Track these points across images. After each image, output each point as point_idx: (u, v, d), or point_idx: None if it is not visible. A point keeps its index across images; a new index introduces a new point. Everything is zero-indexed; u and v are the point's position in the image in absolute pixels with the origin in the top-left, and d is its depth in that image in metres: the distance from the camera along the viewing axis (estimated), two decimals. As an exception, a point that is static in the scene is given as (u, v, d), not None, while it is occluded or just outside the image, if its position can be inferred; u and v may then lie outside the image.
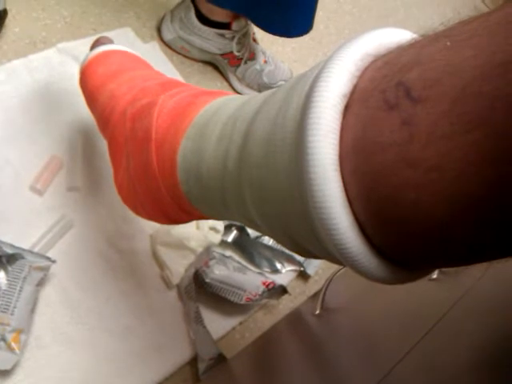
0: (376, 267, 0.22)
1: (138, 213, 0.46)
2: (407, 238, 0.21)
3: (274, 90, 0.29)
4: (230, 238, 0.77)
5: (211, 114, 0.35)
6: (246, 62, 0.92)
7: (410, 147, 0.19)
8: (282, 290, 0.73)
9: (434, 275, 0.47)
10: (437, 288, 0.47)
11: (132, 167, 0.42)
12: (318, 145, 0.21)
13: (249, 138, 0.28)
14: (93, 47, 0.56)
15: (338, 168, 0.21)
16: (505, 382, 0.27)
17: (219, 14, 0.87)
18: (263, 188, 0.26)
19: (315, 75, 0.23)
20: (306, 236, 0.25)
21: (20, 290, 0.56)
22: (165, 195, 0.39)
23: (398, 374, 0.32)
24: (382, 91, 0.20)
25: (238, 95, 0.38)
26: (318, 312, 0.61)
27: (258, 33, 0.96)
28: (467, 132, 0.17)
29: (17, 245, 0.59)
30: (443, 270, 0.48)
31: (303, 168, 0.22)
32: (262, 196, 0.27)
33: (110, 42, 0.56)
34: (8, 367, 0.54)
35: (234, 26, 0.89)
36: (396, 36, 0.24)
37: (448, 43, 0.19)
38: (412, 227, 0.20)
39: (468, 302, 0.38)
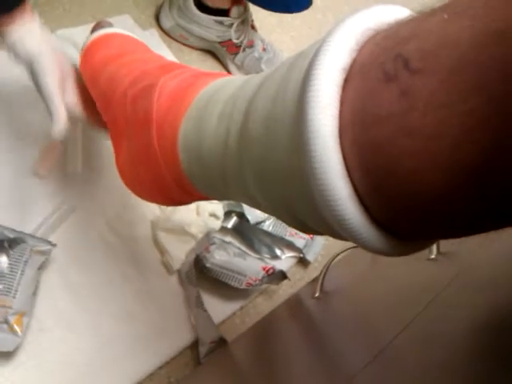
0: (375, 238, 0.23)
1: (138, 194, 0.46)
2: (405, 208, 0.21)
3: (276, 67, 0.30)
4: (229, 224, 0.78)
5: (212, 93, 0.35)
6: (244, 50, 0.92)
7: (408, 117, 0.19)
8: (282, 276, 0.73)
9: (432, 255, 0.48)
10: (435, 267, 0.47)
11: (133, 148, 0.42)
12: (317, 117, 0.21)
13: (249, 115, 0.28)
14: (93, 30, 0.56)
15: (337, 140, 0.22)
16: (503, 345, 0.28)
17: (218, 0, 0.87)
18: (264, 164, 0.27)
19: (316, 49, 0.23)
20: (306, 210, 0.25)
21: (21, 274, 0.56)
22: (166, 176, 0.39)
23: (395, 348, 0.32)
24: (381, 64, 0.21)
25: (239, 76, 0.39)
26: (317, 295, 0.62)
27: (257, 21, 0.96)
28: (464, 100, 0.17)
29: (18, 229, 0.60)
30: (441, 250, 0.48)
31: (303, 140, 0.22)
32: (262, 172, 0.27)
33: (110, 25, 0.56)
34: (11, 349, 0.55)
35: (233, 12, 0.89)
36: (395, 12, 0.24)
37: (445, 16, 0.20)
38: (409, 197, 0.20)
39: (466, 276, 0.39)
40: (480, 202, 0.19)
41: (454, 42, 0.18)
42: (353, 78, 0.22)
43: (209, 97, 0.35)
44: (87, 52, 0.54)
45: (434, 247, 0.49)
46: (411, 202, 0.21)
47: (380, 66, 0.21)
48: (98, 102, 0.52)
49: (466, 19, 0.19)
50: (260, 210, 0.33)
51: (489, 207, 0.19)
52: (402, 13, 0.24)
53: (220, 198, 0.39)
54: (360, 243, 0.23)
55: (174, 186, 0.39)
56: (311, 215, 0.25)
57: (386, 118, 0.20)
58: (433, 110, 0.18)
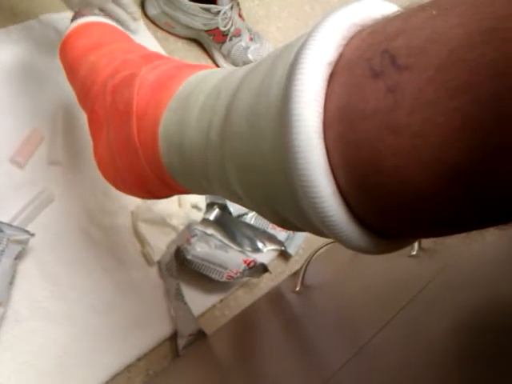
0: (357, 237, 0.23)
1: (117, 187, 0.46)
2: (389, 206, 0.21)
3: (260, 60, 0.29)
4: (211, 217, 0.77)
5: (194, 85, 0.35)
6: (231, 39, 0.91)
7: (395, 114, 0.19)
8: (263, 269, 0.73)
9: (414, 251, 0.48)
10: (416, 264, 0.47)
11: (112, 140, 0.41)
12: (302, 112, 0.21)
13: (232, 108, 0.28)
14: (74, 19, 0.54)
15: (321, 136, 0.21)
16: (483, 343, 0.28)
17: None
18: (246, 158, 0.26)
19: (301, 43, 0.23)
20: (288, 206, 0.25)
21: (-2, 263, 0.55)
22: (145, 168, 0.38)
23: (376, 344, 0.32)
24: (368, 59, 0.20)
25: (222, 68, 0.38)
26: (297, 289, 0.62)
27: (243, 11, 0.95)
28: (451, 98, 0.17)
29: (-5, 218, 0.59)
30: (422, 246, 0.49)
31: (287, 136, 0.22)
32: (244, 167, 0.27)
33: (92, 13, 0.55)
34: (-14, 340, 0.54)
35: (220, 0, 0.88)
36: (382, 8, 0.24)
37: (434, 12, 0.19)
38: (394, 195, 0.20)
39: (448, 274, 0.39)
40: (466, 201, 0.19)
41: (443, 39, 0.18)
42: (339, 73, 0.21)
43: (191, 88, 0.34)
44: (67, 41, 0.52)
45: (416, 244, 0.49)
46: (395, 200, 0.20)
47: (366, 62, 0.20)
48: (77, 92, 0.51)
49: (455, 16, 0.18)
50: (242, 205, 0.32)
51: (475, 207, 0.19)
52: (389, 8, 0.24)
53: (201, 192, 0.38)
54: (342, 241, 0.23)
55: (153, 179, 0.38)
56: (293, 212, 0.25)
57: (371, 114, 0.19)
58: (419, 107, 0.18)
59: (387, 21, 0.22)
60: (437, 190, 0.19)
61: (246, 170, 0.27)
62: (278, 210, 0.27)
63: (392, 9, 0.24)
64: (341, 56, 0.22)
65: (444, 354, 0.30)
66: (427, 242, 0.49)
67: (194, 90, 0.34)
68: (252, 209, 0.31)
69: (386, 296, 0.44)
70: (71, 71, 0.52)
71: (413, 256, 0.48)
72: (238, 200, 0.32)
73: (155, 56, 0.44)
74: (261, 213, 0.30)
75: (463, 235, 0.22)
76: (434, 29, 0.19)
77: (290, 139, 0.21)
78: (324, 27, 0.22)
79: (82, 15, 0.54)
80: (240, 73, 0.30)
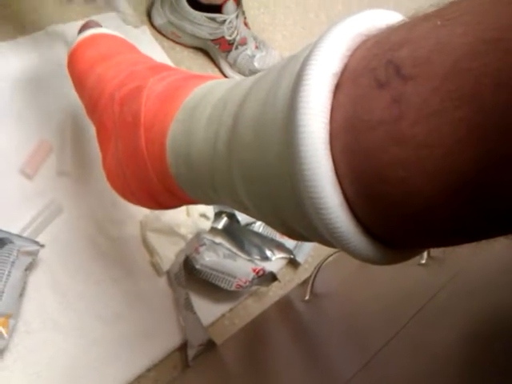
0: (365, 247, 0.22)
1: (126, 198, 0.46)
2: (395, 216, 0.21)
3: (266, 71, 0.29)
4: (220, 225, 0.77)
5: (201, 96, 0.35)
6: (237, 48, 0.92)
7: (400, 125, 0.19)
8: (272, 277, 0.73)
9: (423, 260, 0.48)
10: (425, 272, 0.47)
11: (121, 152, 0.41)
12: (308, 123, 0.21)
13: (239, 119, 0.28)
14: (81, 31, 0.55)
15: (328, 147, 0.21)
16: (491, 353, 0.28)
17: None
18: (253, 168, 0.26)
19: (306, 54, 0.23)
20: (295, 217, 0.25)
21: (8, 275, 0.56)
22: (154, 179, 0.38)
23: (385, 355, 0.32)
24: (373, 70, 0.20)
25: (228, 79, 0.38)
26: (307, 298, 0.62)
27: (249, 19, 0.96)
28: (456, 108, 0.17)
29: (5, 229, 0.59)
30: (432, 255, 0.48)
31: (293, 147, 0.22)
32: (251, 177, 0.27)
33: (98, 25, 0.55)
34: (-4, 352, 0.54)
35: (225, 8, 0.88)
36: (386, 17, 0.24)
37: (438, 22, 0.19)
38: (400, 206, 0.20)
39: (456, 284, 0.38)
40: (472, 211, 0.19)
41: (447, 49, 0.18)
42: (344, 83, 0.21)
43: (198, 99, 0.35)
44: (74, 53, 0.53)
45: (425, 252, 0.48)
46: (402, 211, 0.20)
47: (371, 73, 0.20)
48: (85, 104, 0.51)
49: (459, 26, 0.18)
50: (249, 215, 0.32)
51: (481, 217, 0.19)
52: (393, 17, 0.24)
53: (208, 203, 0.38)
54: (349, 251, 0.23)
55: (161, 189, 0.38)
56: (300, 222, 0.25)
57: (376, 125, 0.19)
58: (424, 117, 0.18)
59: (391, 30, 0.22)
60: (443, 201, 0.19)
61: (253, 180, 0.27)
62: (286, 220, 0.27)
63: (396, 18, 0.24)
64: (346, 66, 0.22)
65: (453, 363, 0.30)
66: (436, 251, 0.49)
67: (201, 101, 0.34)
68: (259, 219, 0.31)
69: (395, 305, 0.44)
70: (79, 83, 0.52)
71: (422, 265, 0.48)
72: (245, 210, 0.32)
73: (162, 67, 0.44)
74: (268, 223, 0.30)
75: (472, 244, 0.22)
76: (439, 39, 0.19)
77: (297, 150, 0.21)
78: (329, 38, 0.22)
79: (90, 27, 0.54)
80: (246, 83, 0.30)
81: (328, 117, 0.21)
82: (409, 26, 0.21)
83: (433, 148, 0.18)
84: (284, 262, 0.81)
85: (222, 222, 0.78)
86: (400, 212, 0.20)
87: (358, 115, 0.20)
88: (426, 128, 0.18)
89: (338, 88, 0.22)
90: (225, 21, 0.89)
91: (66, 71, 0.57)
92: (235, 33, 0.91)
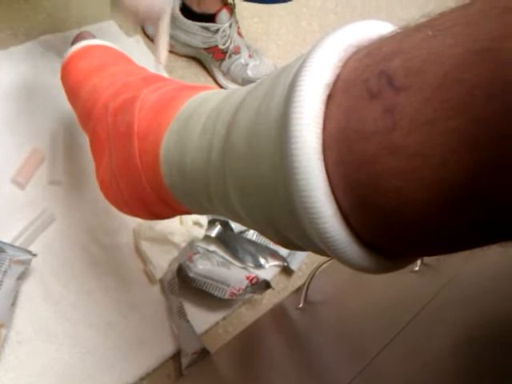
0: (359, 256, 0.23)
1: (120, 208, 0.46)
2: (390, 226, 0.21)
3: (259, 81, 0.29)
4: (213, 233, 0.77)
5: (195, 106, 0.35)
6: (230, 56, 0.92)
7: (393, 135, 0.19)
8: (266, 285, 0.73)
9: (416, 267, 0.48)
10: (419, 279, 0.47)
11: (114, 162, 0.41)
12: (301, 133, 0.21)
13: (232, 129, 0.28)
14: (74, 42, 0.55)
15: (321, 157, 0.21)
16: (485, 360, 0.28)
17: (204, 5, 0.87)
18: (247, 178, 0.26)
19: (299, 65, 0.23)
20: (289, 226, 0.25)
21: (0, 284, 0.55)
22: (147, 189, 0.38)
23: (380, 363, 0.32)
24: (365, 80, 0.20)
25: (222, 89, 0.38)
26: (301, 305, 0.62)
27: (242, 29, 0.96)
28: (449, 118, 0.17)
29: (-3, 238, 0.59)
30: (425, 262, 0.48)
31: (287, 157, 0.22)
32: (245, 187, 0.27)
33: (92, 36, 0.55)
34: (-12, 362, 0.53)
35: (219, 17, 0.88)
36: (378, 28, 0.24)
37: (429, 33, 0.19)
38: (394, 215, 0.20)
39: (450, 290, 0.38)
40: (466, 221, 0.19)
41: (439, 60, 0.18)
42: (336, 94, 0.22)
43: (192, 110, 0.35)
44: (67, 64, 0.53)
45: (418, 260, 0.48)
46: (396, 220, 0.20)
47: (363, 83, 0.20)
48: (78, 114, 0.51)
49: (450, 36, 0.18)
50: (243, 224, 0.32)
51: (475, 226, 0.19)
52: (385, 28, 0.24)
53: (203, 213, 0.38)
54: (343, 261, 0.23)
55: (155, 200, 0.38)
56: (294, 231, 0.25)
57: (369, 135, 0.20)
58: (417, 128, 0.18)
59: (383, 41, 0.22)
60: (437, 211, 0.19)
61: (247, 190, 0.27)
62: (280, 230, 0.27)
63: (388, 28, 0.24)
64: (338, 77, 0.22)
65: (447, 370, 0.30)
66: (430, 258, 0.49)
67: (194, 111, 0.34)
68: (254, 228, 0.31)
69: (389, 312, 0.44)
70: (72, 94, 0.52)
71: (416, 272, 0.48)
72: (239, 220, 0.32)
73: (156, 78, 0.44)
74: (262, 232, 0.30)
75: (465, 252, 0.22)
76: (430, 49, 0.19)
77: (290, 160, 0.22)
78: (321, 49, 0.22)
79: (83, 38, 0.55)
80: (240, 93, 0.30)
81: (321, 127, 0.21)
82: (400, 36, 0.21)
83: (426, 158, 0.18)
84: (278, 269, 0.81)
85: (216, 230, 0.78)
86: (393, 221, 0.20)
87: (350, 126, 0.20)
88: (419, 138, 0.18)
89: (330, 99, 0.22)
90: (218, 30, 0.89)
91: (58, 80, 0.57)
92: (228, 41, 0.91)
